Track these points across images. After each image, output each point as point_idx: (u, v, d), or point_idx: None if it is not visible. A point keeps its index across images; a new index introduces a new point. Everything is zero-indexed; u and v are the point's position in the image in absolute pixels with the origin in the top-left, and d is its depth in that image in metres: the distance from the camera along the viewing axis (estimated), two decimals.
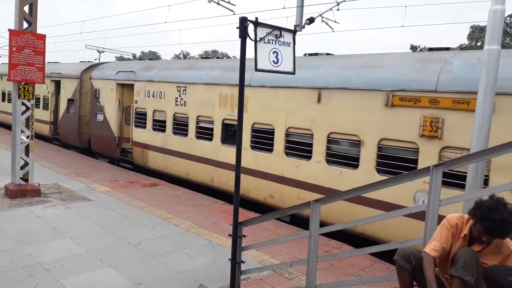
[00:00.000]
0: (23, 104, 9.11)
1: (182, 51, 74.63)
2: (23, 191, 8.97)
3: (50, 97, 18.05)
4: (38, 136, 18.38)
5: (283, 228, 8.23)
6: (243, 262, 5.13)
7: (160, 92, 12.15)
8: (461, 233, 3.39)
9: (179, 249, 6.67)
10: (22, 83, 8.93)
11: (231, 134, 10.24)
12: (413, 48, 48.55)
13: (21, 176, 9.15)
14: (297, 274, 5.95)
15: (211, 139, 10.54)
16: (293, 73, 4.92)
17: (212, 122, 10.52)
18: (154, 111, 12.43)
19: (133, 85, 13.28)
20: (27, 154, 9.22)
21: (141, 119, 12.98)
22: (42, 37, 9.08)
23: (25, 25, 9.01)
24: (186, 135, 11.34)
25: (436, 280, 3.33)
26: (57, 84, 17.62)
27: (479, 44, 41.89)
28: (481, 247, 3.33)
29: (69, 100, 16.54)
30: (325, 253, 6.85)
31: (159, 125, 12.30)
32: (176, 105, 11.57)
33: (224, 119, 10.17)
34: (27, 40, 8.83)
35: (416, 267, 3.51)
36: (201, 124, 10.95)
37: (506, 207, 3.16)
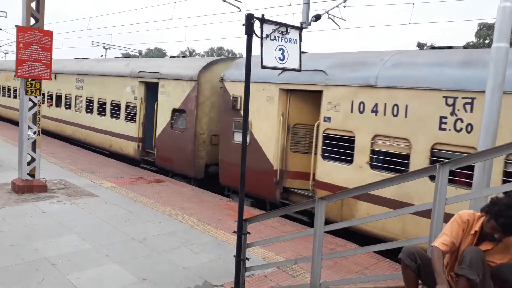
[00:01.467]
0: (30, 100, 9.15)
1: (188, 48, 74.80)
2: (30, 187, 9.04)
3: (138, 104, 13.14)
4: (118, 156, 14.34)
5: (287, 225, 8.23)
6: (247, 259, 5.14)
7: (395, 106, 7.14)
8: (471, 229, 3.37)
9: (184, 245, 6.69)
10: (29, 79, 8.98)
11: None
12: (420, 45, 48.24)
13: (28, 172, 9.22)
14: (301, 272, 5.96)
15: None
16: (299, 70, 4.91)
17: None
18: (375, 137, 7.39)
19: (320, 92, 8.32)
20: (34, 150, 9.28)
21: (339, 148, 7.97)
22: (49, 34, 9.12)
23: (32, 21, 9.05)
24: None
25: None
26: (150, 87, 13.10)
27: (487, 41, 41.55)
28: (491, 246, 3.31)
29: (174, 110, 11.82)
30: (329, 250, 6.84)
31: (390, 162, 7.26)
32: (442, 129, 6.55)
33: None
34: (34, 36, 8.88)
35: (422, 266, 3.49)
36: None
37: None
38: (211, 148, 11.42)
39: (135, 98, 13.34)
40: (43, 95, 18.81)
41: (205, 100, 11.27)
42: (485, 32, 42.61)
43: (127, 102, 13.75)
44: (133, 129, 13.46)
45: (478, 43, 42.62)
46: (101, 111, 15.17)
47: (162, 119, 12.26)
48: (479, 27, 43.89)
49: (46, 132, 17.91)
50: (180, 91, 11.58)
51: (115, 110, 14.37)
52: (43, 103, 19.19)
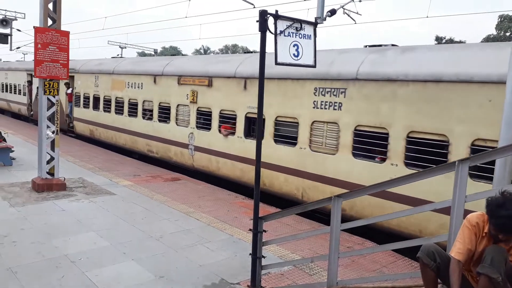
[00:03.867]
0: (48, 100, 9.30)
1: (203, 45, 75.01)
2: (49, 185, 9.20)
3: None
4: None
5: (304, 223, 8.18)
6: (263, 257, 5.13)
7: None
8: (483, 231, 3.30)
9: (200, 243, 6.72)
10: (47, 79, 9.12)
11: None
12: (439, 39, 47.40)
13: (47, 171, 9.38)
14: (318, 270, 5.91)
15: None
16: (314, 66, 4.86)
17: None
18: None
19: None
20: (52, 149, 9.44)
21: None
22: (66, 34, 9.25)
23: (50, 22, 9.19)
24: None
25: (462, 278, 3.24)
26: None
27: (508, 34, 40.54)
28: (508, 246, 3.23)
29: None
30: (347, 249, 6.78)
31: None
32: None
33: None
34: (52, 37, 9.01)
35: (441, 265, 3.42)
36: None
37: None
38: None
39: None
40: (202, 113, 11.48)
41: None
42: (506, 24, 41.56)
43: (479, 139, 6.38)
44: None
45: (499, 36, 41.61)
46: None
47: None
48: (499, 19, 42.81)
49: (221, 182, 10.98)
50: None
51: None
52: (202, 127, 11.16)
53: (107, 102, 15.73)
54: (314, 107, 8.57)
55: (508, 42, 8.06)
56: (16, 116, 26.06)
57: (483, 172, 6.12)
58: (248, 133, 10.27)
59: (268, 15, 4.42)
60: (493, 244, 3.28)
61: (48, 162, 9.41)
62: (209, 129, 11.23)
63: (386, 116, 7.47)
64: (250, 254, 5.06)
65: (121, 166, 12.68)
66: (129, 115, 14.45)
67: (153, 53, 35.42)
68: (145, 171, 12.19)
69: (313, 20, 4.98)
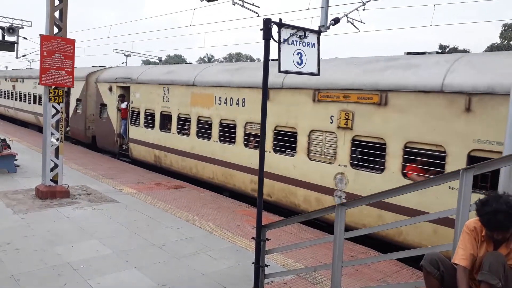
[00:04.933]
0: (53, 107, 9.35)
1: (207, 54, 75.52)
2: (53, 192, 9.22)
3: None
4: None
5: (307, 232, 8.14)
6: (266, 265, 5.10)
7: None
8: (481, 235, 3.34)
9: (203, 251, 6.69)
10: (53, 87, 9.18)
11: None
12: (442, 47, 47.47)
13: (51, 178, 9.40)
14: (321, 279, 5.87)
15: None
16: (318, 74, 4.87)
17: None
18: None
19: None
20: (56, 156, 9.47)
21: None
22: (72, 42, 9.33)
23: (56, 30, 9.28)
24: None
25: None
26: None
27: None
28: (507, 250, 3.25)
29: None
30: (350, 258, 6.73)
31: None
32: None
33: None
34: (58, 45, 9.09)
35: (444, 273, 3.41)
36: None
37: (499, 199, 3.15)
38: None
39: None
40: (364, 145, 7.80)
41: None
42: (510, 33, 41.57)
43: None
44: None
45: (503, 45, 41.62)
46: None
47: None
48: (503, 28, 42.86)
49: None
50: None
51: None
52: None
53: (184, 121, 12.31)
54: None
55: None
56: None
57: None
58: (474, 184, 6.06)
59: (272, 24, 4.44)
60: (494, 248, 3.29)
61: (52, 170, 9.43)
62: (381, 170, 7.39)
63: None
64: (253, 262, 5.04)
65: (125, 174, 12.69)
66: (221, 141, 10.86)
67: (157, 61, 35.67)
68: (148, 179, 12.20)
69: (317, 29, 5.00)
